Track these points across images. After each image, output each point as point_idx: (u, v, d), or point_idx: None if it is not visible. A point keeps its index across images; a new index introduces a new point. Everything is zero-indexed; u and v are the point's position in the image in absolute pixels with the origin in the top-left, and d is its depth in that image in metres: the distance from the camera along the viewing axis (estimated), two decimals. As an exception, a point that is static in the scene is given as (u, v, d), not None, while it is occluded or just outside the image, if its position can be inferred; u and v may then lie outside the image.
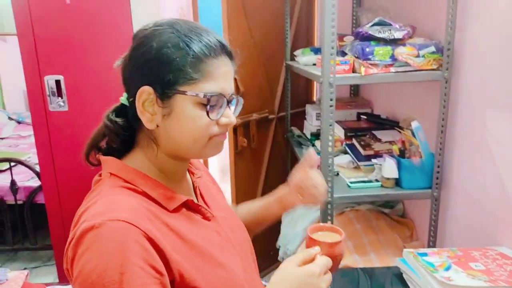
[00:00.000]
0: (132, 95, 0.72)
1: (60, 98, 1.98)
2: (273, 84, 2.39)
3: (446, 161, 1.41)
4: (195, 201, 0.79)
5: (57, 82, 1.96)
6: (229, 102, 0.74)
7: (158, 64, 0.68)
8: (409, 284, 1.08)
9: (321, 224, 0.80)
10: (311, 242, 0.74)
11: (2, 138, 3.66)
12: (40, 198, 2.50)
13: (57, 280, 2.23)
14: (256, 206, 1.01)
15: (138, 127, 0.75)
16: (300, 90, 2.59)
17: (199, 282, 0.67)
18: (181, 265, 0.66)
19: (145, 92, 0.69)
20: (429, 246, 1.50)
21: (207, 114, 0.70)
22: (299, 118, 2.39)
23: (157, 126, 0.71)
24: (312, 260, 0.71)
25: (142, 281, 0.60)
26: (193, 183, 0.86)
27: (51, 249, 2.21)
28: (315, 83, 2.72)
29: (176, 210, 0.73)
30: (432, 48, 1.32)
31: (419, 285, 1.02)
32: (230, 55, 0.74)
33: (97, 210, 0.64)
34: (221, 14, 2.05)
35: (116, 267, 0.59)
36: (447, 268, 0.98)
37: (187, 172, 0.86)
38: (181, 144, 0.72)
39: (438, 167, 1.39)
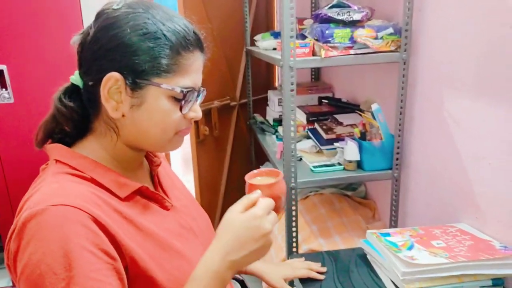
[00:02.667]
0: (93, 79, 0.66)
1: (4, 89, 1.83)
2: (233, 70, 2.34)
3: (406, 142, 1.43)
4: (151, 188, 0.75)
5: (0, 72, 1.82)
6: (198, 95, 0.71)
7: (132, 51, 0.63)
8: (373, 265, 1.09)
9: (258, 170, 0.79)
10: (250, 188, 0.73)
11: None
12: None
13: (11, 284, 2.10)
14: None
15: (95, 113, 0.69)
16: (261, 76, 2.56)
17: (155, 271, 0.64)
18: (135, 253, 0.62)
19: (113, 79, 0.63)
20: (391, 226, 1.52)
21: (180, 108, 0.68)
22: (261, 105, 2.37)
23: (123, 115, 0.66)
24: (254, 204, 0.69)
25: (94, 266, 0.56)
26: (151, 171, 0.82)
27: (2, 250, 2.07)
28: (276, 68, 2.70)
29: (129, 198, 0.68)
30: (391, 30, 1.32)
31: (383, 265, 1.03)
32: (203, 48, 0.71)
33: (39, 197, 0.59)
34: (177, 5, 1.97)
35: (64, 254, 0.55)
36: (410, 247, 0.99)
37: (145, 159, 0.82)
38: (147, 136, 0.69)
39: (398, 148, 1.41)
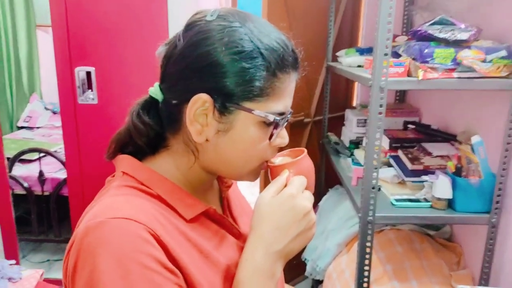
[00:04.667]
0: (178, 98, 0.60)
1: (90, 90, 1.91)
2: (311, 85, 2.24)
3: (510, 184, 1.23)
4: (219, 211, 0.67)
5: (88, 74, 1.90)
6: (287, 120, 0.63)
7: (224, 72, 0.56)
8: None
9: (279, 153, 0.70)
10: (276, 171, 0.65)
11: (37, 127, 3.72)
12: (66, 191, 2.47)
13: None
14: None
15: (174, 131, 0.63)
16: (340, 93, 2.44)
17: None
18: (195, 279, 0.55)
19: (201, 100, 0.57)
20: (481, 279, 1.31)
21: (270, 136, 0.61)
22: (337, 124, 2.23)
23: (206, 140, 0.60)
24: (285, 186, 0.63)
25: (157, 287, 0.50)
26: (221, 192, 0.75)
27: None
28: (356, 86, 2.55)
29: (195, 219, 0.61)
30: (503, 53, 1.14)
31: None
32: (298, 68, 0.63)
33: (100, 210, 0.55)
34: (261, 11, 1.94)
35: (123, 275, 0.49)
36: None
37: (215, 180, 0.75)
38: (228, 164, 0.62)
39: (500, 189, 1.21)
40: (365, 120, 1.85)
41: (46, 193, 2.50)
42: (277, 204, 0.60)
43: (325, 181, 2.34)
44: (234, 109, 0.57)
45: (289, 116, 0.64)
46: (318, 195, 2.26)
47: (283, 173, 0.64)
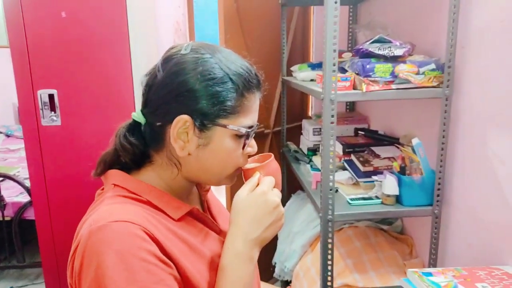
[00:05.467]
0: (161, 120, 0.70)
1: (53, 112, 1.93)
2: (268, 99, 2.38)
3: (447, 179, 1.40)
4: (201, 211, 0.78)
5: (50, 96, 1.92)
6: (254, 132, 0.75)
7: (201, 96, 0.67)
8: (415, 305, 1.06)
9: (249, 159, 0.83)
10: (248, 173, 0.78)
11: (-10, 152, 3.59)
12: (29, 214, 2.44)
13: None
14: None
15: (157, 148, 0.73)
16: (296, 105, 2.59)
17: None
18: (189, 271, 0.65)
19: (182, 121, 0.67)
20: (429, 264, 1.48)
21: (243, 146, 0.73)
22: (295, 133, 2.38)
23: (188, 154, 0.70)
24: (257, 185, 0.75)
25: (156, 277, 0.59)
26: (201, 196, 0.84)
27: (40, 266, 2.13)
28: (310, 98, 2.72)
29: (181, 218, 0.71)
30: (433, 66, 1.32)
31: (425, 306, 0.99)
32: (261, 88, 0.76)
33: (99, 216, 0.63)
34: (218, 29, 2.04)
35: (126, 268, 0.57)
36: (455, 289, 0.96)
37: (195, 186, 0.85)
38: (208, 172, 0.73)
39: (439, 184, 1.38)
40: (320, 129, 2.00)
41: (7, 218, 2.45)
42: (252, 200, 0.72)
43: (288, 187, 2.47)
44: (211, 126, 0.68)
45: (255, 128, 0.75)
46: (282, 201, 2.39)
47: (255, 175, 0.76)
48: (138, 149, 0.73)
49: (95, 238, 0.59)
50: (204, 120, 0.68)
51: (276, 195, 0.75)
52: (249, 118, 0.72)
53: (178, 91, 0.67)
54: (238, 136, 0.71)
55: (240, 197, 0.73)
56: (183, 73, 0.67)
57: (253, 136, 0.75)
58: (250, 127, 0.72)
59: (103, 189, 0.74)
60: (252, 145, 0.76)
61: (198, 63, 0.68)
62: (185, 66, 0.68)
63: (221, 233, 0.79)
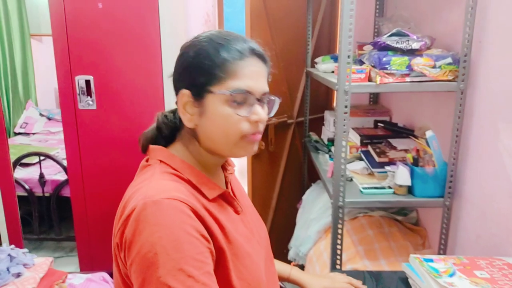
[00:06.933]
0: (176, 98, 0.81)
1: (89, 97, 2.08)
2: (293, 89, 2.43)
3: (459, 171, 1.42)
4: (231, 194, 0.86)
5: (87, 82, 2.07)
6: (259, 100, 0.78)
7: (193, 70, 0.77)
8: (415, 289, 1.11)
9: None
10: None
11: (33, 133, 3.85)
12: (66, 192, 2.62)
13: (79, 270, 2.33)
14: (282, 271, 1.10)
15: (181, 125, 0.84)
16: (320, 96, 2.63)
17: (230, 268, 0.75)
18: (221, 244, 0.74)
19: (185, 95, 0.78)
20: (438, 254, 1.51)
21: (236, 110, 0.76)
22: (318, 124, 2.43)
23: (196, 125, 0.79)
24: None
25: (198, 249, 0.68)
26: (225, 177, 0.93)
27: (74, 240, 2.31)
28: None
29: (214, 199, 0.80)
30: (449, 60, 1.34)
31: (423, 290, 1.04)
32: (260, 57, 0.79)
33: (153, 191, 0.72)
34: (244, 25, 2.11)
35: (175, 238, 0.67)
36: (451, 275, 1.00)
37: (220, 167, 0.93)
38: (215, 141, 0.79)
39: (451, 176, 1.40)
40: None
41: (46, 194, 2.65)
42: None
43: (308, 176, 2.53)
44: (204, 94, 0.76)
45: (265, 97, 0.79)
46: (302, 189, 2.46)
47: None
48: (173, 124, 0.84)
49: (150, 210, 0.68)
50: (198, 91, 0.77)
51: None
52: (239, 82, 0.74)
53: (179, 71, 0.80)
54: (233, 101, 0.75)
55: None
56: (183, 55, 0.80)
57: (259, 104, 0.77)
58: (241, 90, 0.75)
59: (147, 160, 0.84)
60: (256, 112, 0.77)
61: (193, 45, 0.78)
62: (184, 50, 0.80)
63: (242, 214, 0.87)
